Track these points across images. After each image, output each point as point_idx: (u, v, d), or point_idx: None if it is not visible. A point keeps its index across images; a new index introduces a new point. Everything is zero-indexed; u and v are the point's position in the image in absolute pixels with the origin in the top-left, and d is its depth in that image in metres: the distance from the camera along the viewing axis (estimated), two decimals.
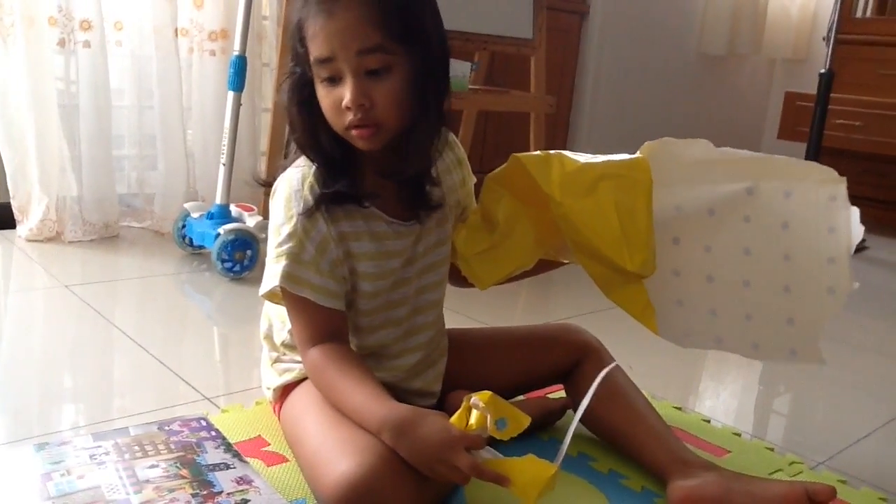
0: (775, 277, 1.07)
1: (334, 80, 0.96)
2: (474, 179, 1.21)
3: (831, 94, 2.96)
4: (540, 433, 1.25)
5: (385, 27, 0.93)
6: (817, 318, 1.06)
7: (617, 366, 1.23)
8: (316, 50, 0.96)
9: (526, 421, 0.92)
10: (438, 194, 1.10)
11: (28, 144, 2.08)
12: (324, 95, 0.98)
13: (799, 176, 1.06)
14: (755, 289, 1.09)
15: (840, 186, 1.04)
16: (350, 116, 0.96)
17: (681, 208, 1.10)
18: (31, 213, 2.13)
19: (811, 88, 3.10)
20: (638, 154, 1.12)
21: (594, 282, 1.12)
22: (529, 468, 0.91)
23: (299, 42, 0.99)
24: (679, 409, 1.45)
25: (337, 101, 0.96)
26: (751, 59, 4.24)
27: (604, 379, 0.96)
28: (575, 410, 1.24)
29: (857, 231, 1.02)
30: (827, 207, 1.03)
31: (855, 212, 1.03)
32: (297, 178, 1.04)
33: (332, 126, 1.00)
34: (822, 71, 2.94)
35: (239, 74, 2.04)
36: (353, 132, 0.98)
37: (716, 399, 1.61)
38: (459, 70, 2.28)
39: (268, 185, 1.12)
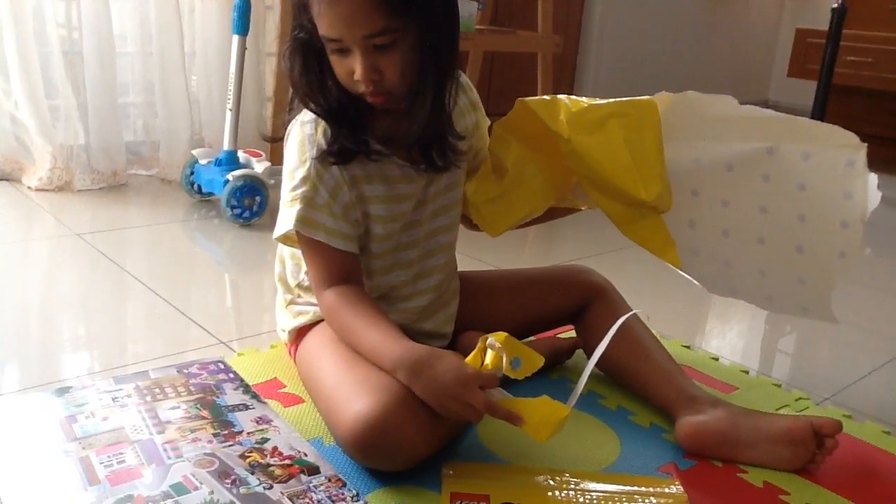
0: (789, 237, 1.08)
1: (343, 52, 0.97)
2: (488, 122, 1.20)
3: (843, 31, 2.91)
4: (550, 373, 1.27)
5: (387, 8, 0.93)
6: (827, 280, 1.07)
7: (625, 304, 1.24)
8: (323, 29, 0.96)
9: (540, 361, 0.94)
10: (464, 147, 1.10)
11: (36, 93, 2.07)
12: (336, 62, 0.99)
13: (820, 139, 1.05)
14: (769, 246, 1.10)
15: (860, 152, 1.03)
16: (363, 87, 0.98)
17: (699, 161, 1.10)
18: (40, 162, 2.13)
19: (822, 25, 3.04)
20: (647, 97, 1.11)
21: (610, 219, 1.12)
22: (543, 409, 0.92)
23: (305, 16, 0.98)
24: (688, 347, 1.47)
25: (349, 70, 0.98)
26: None
27: (612, 318, 0.98)
28: (585, 350, 1.27)
29: (875, 197, 1.02)
30: (844, 173, 1.03)
31: (872, 178, 1.02)
32: (310, 122, 1.05)
33: (347, 88, 1.01)
34: (835, 6, 2.89)
35: (243, 18, 2.02)
36: (369, 98, 1.00)
37: (723, 338, 1.63)
38: (466, 10, 2.25)
39: (274, 140, 1.12)
